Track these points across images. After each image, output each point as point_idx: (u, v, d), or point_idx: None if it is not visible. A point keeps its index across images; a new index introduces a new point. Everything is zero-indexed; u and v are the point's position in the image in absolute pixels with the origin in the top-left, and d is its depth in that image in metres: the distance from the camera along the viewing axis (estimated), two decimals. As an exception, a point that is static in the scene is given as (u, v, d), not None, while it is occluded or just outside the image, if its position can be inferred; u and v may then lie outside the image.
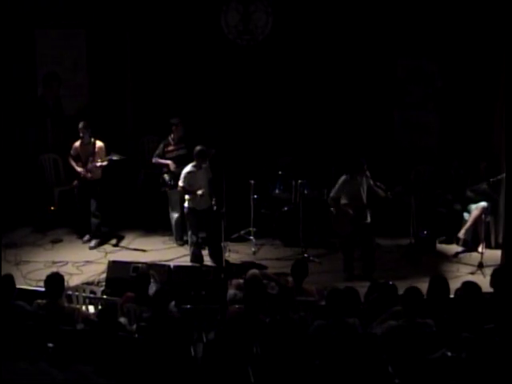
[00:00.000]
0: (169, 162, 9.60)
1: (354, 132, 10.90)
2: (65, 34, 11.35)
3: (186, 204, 9.13)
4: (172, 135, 9.73)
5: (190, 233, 9.18)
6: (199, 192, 8.86)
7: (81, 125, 9.70)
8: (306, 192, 9.74)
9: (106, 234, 10.06)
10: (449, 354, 5.15)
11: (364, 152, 10.50)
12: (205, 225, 9.13)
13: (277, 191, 10.07)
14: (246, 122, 11.11)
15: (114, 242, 10.02)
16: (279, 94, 11.07)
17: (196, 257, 9.05)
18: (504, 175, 8.68)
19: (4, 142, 10.93)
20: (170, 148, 9.70)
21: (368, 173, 8.84)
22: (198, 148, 8.95)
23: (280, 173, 10.07)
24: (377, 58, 10.83)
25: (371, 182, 8.87)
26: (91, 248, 9.80)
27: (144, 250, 9.66)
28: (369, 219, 8.86)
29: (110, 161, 9.65)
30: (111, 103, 11.33)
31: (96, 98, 11.40)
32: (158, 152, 9.76)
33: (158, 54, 11.25)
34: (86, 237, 9.95)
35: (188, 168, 9.00)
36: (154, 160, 9.78)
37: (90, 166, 9.68)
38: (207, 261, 9.09)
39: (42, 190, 10.85)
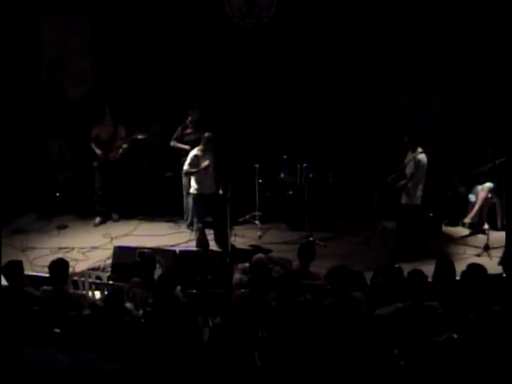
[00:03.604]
0: (186, 146, 9.62)
1: (359, 115, 10.84)
2: (69, 19, 11.32)
3: (192, 190, 9.13)
4: (189, 118, 9.76)
5: (196, 219, 9.18)
6: (205, 163, 8.86)
7: (106, 109, 10.03)
8: (311, 175, 9.72)
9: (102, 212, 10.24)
10: (455, 336, 5.14)
11: (369, 134, 10.55)
12: (211, 210, 9.13)
13: (282, 175, 10.05)
14: (250, 106, 11.05)
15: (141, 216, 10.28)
16: (284, 77, 11.01)
17: (202, 242, 9.06)
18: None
19: (9, 128, 10.93)
20: (188, 131, 9.80)
21: (419, 158, 8.51)
22: (207, 134, 8.96)
23: (285, 157, 10.05)
24: (382, 40, 10.74)
25: (410, 170, 8.55)
26: (96, 225, 10.07)
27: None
28: (403, 200, 8.61)
29: (136, 140, 9.96)
30: (115, 88, 11.30)
31: (100, 84, 11.38)
32: (175, 135, 9.85)
33: (162, 39, 11.20)
34: (97, 219, 10.13)
35: (194, 151, 9.02)
36: (172, 143, 9.87)
37: (115, 145, 10.04)
38: (213, 246, 9.11)
39: (47, 176, 10.87)
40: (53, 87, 11.18)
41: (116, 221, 10.23)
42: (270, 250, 9.00)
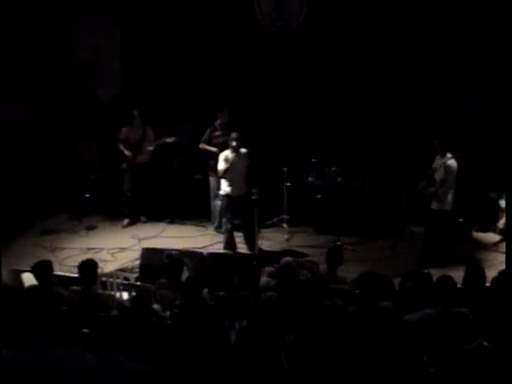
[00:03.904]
0: (214, 149, 9.63)
1: (389, 119, 10.76)
2: (100, 22, 11.42)
3: (221, 191, 9.14)
4: (218, 120, 9.76)
5: (224, 220, 9.18)
6: (230, 156, 8.92)
7: (134, 113, 10.10)
8: (339, 179, 9.69)
9: (131, 214, 10.29)
10: (485, 343, 5.08)
11: (399, 138, 10.46)
12: (240, 212, 9.12)
13: (310, 179, 10.03)
14: (280, 110, 11.04)
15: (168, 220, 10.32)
16: (313, 80, 10.98)
17: (229, 244, 9.06)
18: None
19: (40, 129, 11.04)
20: (217, 133, 9.79)
21: (449, 163, 8.43)
22: (234, 135, 8.98)
23: (313, 160, 10.02)
24: (415, 44, 10.63)
25: (440, 176, 8.47)
26: (124, 226, 10.15)
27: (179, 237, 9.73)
28: (433, 205, 8.52)
29: (163, 143, 9.85)
30: (146, 90, 11.37)
31: (131, 86, 11.45)
32: (204, 138, 9.86)
33: (193, 42, 11.24)
34: (125, 221, 10.24)
35: (225, 152, 9.03)
36: (201, 146, 9.88)
37: (144, 148, 10.06)
38: (241, 248, 9.09)
39: (78, 177, 10.96)
40: (84, 89, 11.28)
41: (144, 223, 10.27)
42: (304, 254, 8.94)
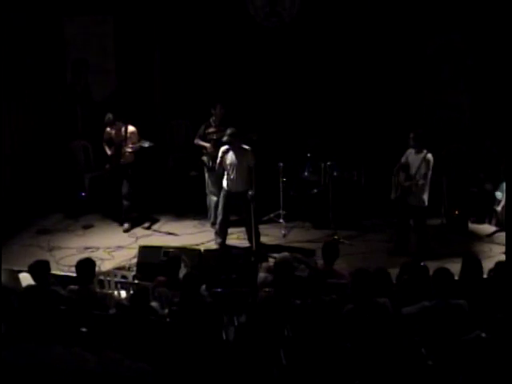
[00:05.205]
0: (207, 144, 9.62)
1: (383, 111, 10.78)
2: (93, 20, 11.40)
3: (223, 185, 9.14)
4: (213, 117, 9.74)
5: (218, 211, 9.15)
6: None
7: (110, 116, 9.82)
8: (335, 174, 9.69)
9: (136, 217, 10.11)
10: (483, 335, 5.09)
11: (393, 131, 10.48)
12: (237, 208, 9.10)
13: (306, 173, 10.02)
14: (274, 105, 11.05)
15: (146, 225, 10.08)
16: (307, 75, 10.98)
17: (219, 235, 9.07)
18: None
19: (34, 129, 11.02)
20: (211, 130, 9.76)
21: (429, 158, 8.46)
22: (229, 130, 8.95)
23: (309, 155, 10.02)
24: (406, 36, 10.67)
25: (423, 171, 8.48)
26: (125, 231, 9.89)
27: (175, 234, 9.73)
28: (415, 201, 8.55)
29: (141, 148, 9.73)
30: (139, 88, 11.35)
31: (124, 84, 11.43)
32: (199, 133, 9.83)
33: (186, 38, 11.22)
34: (126, 225, 9.97)
35: (225, 146, 9.01)
36: (196, 141, 9.86)
37: (122, 150, 9.79)
38: (237, 244, 9.10)
39: (73, 176, 10.94)
40: (77, 88, 11.26)
41: (127, 231, 9.92)
42: (296, 249, 8.94)
